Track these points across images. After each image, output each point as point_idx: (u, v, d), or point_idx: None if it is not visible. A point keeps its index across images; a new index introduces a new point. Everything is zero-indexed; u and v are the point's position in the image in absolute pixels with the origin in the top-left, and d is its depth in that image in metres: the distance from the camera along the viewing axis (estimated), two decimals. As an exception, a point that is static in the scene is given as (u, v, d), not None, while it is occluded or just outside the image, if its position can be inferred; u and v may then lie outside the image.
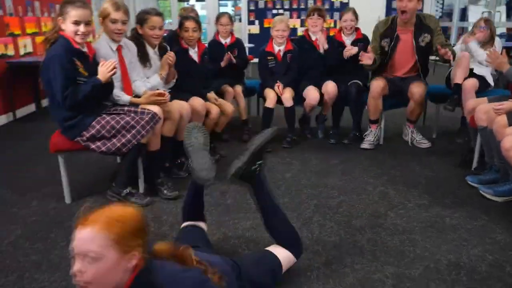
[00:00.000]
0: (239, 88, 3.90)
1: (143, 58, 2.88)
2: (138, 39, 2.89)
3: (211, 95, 3.38)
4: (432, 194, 2.66)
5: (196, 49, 3.35)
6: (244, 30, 11.07)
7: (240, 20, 11.75)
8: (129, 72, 2.73)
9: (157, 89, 2.77)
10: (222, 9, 17.18)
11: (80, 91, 2.29)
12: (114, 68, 2.36)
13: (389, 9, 11.29)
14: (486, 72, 3.41)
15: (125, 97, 2.61)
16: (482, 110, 2.69)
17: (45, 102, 5.40)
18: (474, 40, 3.46)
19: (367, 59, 3.41)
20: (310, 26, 3.80)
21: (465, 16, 9.90)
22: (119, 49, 2.66)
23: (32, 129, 4.43)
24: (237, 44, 4.06)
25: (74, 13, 2.29)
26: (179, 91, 3.09)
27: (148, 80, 2.89)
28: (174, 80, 3.13)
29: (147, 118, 2.47)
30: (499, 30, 7.58)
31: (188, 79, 3.21)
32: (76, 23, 2.30)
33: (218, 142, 3.57)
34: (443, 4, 10.70)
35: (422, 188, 2.76)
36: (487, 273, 1.83)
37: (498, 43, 3.49)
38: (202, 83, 3.36)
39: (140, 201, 2.54)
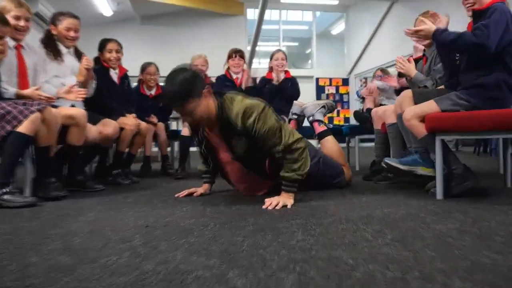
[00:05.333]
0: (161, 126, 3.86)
1: (55, 54, 2.74)
2: (50, 38, 2.79)
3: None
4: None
5: (117, 70, 3.29)
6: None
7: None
8: (32, 74, 2.59)
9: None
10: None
11: None
12: None
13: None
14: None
15: (11, 90, 2.38)
16: (389, 110, 2.74)
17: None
18: (376, 82, 3.72)
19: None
20: (232, 67, 3.86)
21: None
22: (17, 47, 2.52)
23: None
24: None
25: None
26: (93, 110, 2.88)
27: (64, 82, 2.71)
28: (94, 85, 3.00)
29: (31, 108, 2.21)
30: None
31: (106, 98, 3.09)
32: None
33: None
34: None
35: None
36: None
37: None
38: (121, 103, 3.23)
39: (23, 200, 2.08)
